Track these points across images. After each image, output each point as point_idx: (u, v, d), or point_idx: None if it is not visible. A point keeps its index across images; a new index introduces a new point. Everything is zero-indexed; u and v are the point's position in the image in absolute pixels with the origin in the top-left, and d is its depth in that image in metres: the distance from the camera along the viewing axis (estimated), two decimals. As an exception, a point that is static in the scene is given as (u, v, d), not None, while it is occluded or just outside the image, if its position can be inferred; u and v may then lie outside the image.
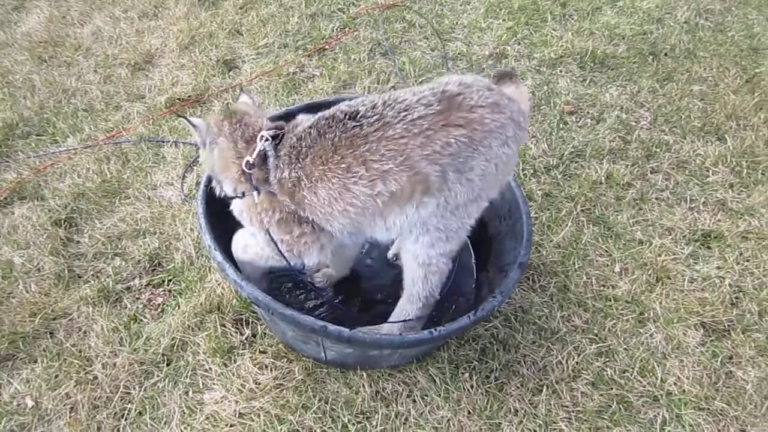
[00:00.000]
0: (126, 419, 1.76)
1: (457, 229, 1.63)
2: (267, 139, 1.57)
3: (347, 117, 1.51)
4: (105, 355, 1.89)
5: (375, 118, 1.48)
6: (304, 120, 1.62)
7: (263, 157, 1.58)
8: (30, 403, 1.78)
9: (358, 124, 1.49)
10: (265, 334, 1.96)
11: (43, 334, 1.94)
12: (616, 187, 2.51)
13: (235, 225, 2.03)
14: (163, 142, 2.58)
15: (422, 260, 1.67)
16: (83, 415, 1.75)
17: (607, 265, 2.22)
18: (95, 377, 1.84)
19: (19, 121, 2.68)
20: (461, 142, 1.47)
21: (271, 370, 1.87)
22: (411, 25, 3.38)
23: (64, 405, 1.78)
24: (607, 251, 2.27)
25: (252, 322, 1.99)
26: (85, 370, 1.85)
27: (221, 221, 1.91)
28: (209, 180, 1.91)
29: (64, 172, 2.45)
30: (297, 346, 1.90)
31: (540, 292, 2.13)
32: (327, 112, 1.57)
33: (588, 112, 2.88)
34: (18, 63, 3.04)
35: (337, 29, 3.31)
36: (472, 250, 2.21)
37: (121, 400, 1.80)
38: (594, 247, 2.27)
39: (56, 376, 1.84)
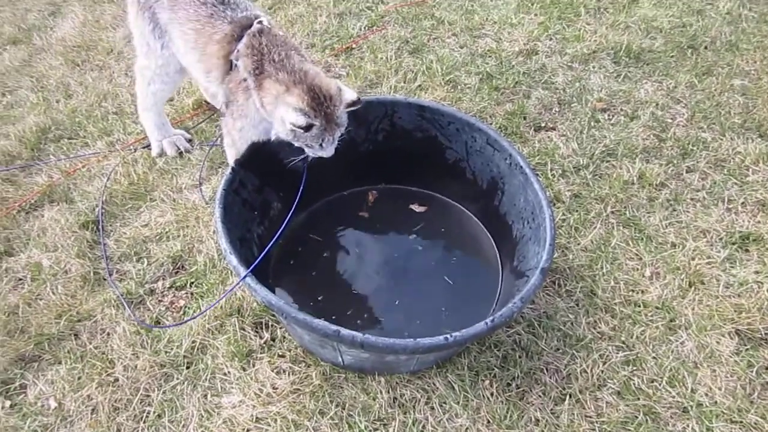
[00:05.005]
0: (145, 422, 1.78)
1: None
2: None
3: None
4: (127, 357, 1.91)
5: None
6: None
7: None
8: (53, 404, 1.81)
9: None
10: (284, 337, 1.96)
11: (67, 336, 1.97)
12: (648, 188, 2.42)
13: (253, 231, 2.04)
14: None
15: None
16: (104, 417, 1.77)
17: (637, 269, 2.14)
18: (116, 379, 1.86)
19: (51, 125, 2.74)
20: None
21: (289, 374, 1.86)
22: (440, 22, 3.33)
23: (85, 406, 1.80)
24: (637, 254, 2.18)
25: (271, 325, 1.99)
26: (107, 372, 1.88)
27: (238, 226, 1.91)
28: (229, 183, 1.92)
29: (93, 175, 2.49)
30: (314, 350, 1.89)
31: (565, 297, 2.06)
32: None
33: (621, 109, 2.79)
34: (52, 68, 3.11)
35: (364, 28, 3.29)
36: (498, 254, 2.16)
37: (141, 402, 1.82)
38: (623, 251, 2.19)
39: (79, 378, 1.87)
